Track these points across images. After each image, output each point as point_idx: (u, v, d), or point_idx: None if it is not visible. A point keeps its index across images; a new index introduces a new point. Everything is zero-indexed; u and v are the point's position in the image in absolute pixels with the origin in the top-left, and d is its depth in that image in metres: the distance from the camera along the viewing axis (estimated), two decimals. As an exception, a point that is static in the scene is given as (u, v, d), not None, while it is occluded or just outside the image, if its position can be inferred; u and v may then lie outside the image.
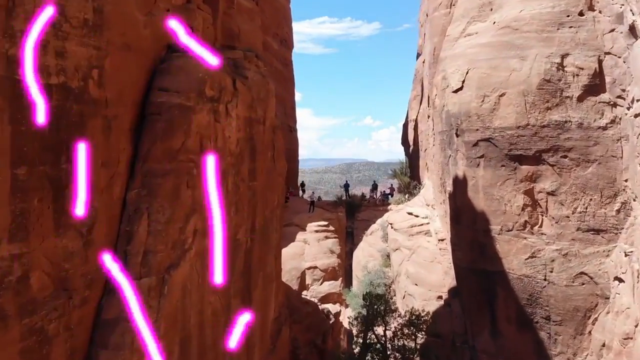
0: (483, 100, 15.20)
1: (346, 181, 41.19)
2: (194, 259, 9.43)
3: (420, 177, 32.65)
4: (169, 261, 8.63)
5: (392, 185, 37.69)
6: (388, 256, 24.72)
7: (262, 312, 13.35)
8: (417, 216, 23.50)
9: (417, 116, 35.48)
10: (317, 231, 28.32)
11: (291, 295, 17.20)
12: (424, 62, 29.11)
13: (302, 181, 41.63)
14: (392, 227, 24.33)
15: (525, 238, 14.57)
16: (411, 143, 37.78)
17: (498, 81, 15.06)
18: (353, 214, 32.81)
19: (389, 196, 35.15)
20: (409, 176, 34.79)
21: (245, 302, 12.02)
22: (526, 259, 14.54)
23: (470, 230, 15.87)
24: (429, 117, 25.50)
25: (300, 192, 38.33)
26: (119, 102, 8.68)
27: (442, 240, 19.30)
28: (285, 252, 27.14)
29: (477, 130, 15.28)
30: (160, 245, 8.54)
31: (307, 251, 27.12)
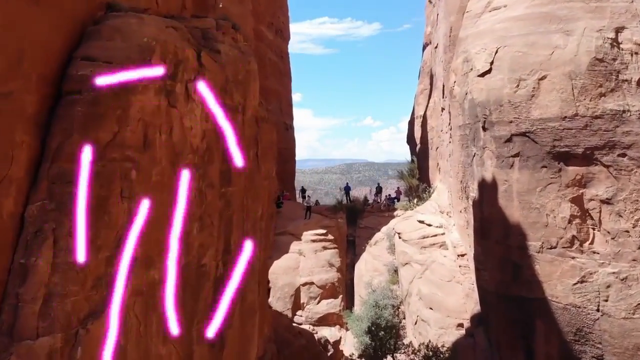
0: (518, 85, 12.68)
1: (347, 183, 38.35)
2: (132, 300, 6.88)
3: (430, 180, 30.13)
4: (86, 309, 6.10)
5: (399, 188, 35.04)
6: (396, 271, 22.14)
7: (240, 356, 10.78)
8: (429, 225, 20.93)
9: (425, 112, 33.00)
10: (314, 241, 25.78)
11: (280, 326, 14.69)
12: (436, 47, 26.60)
13: (303, 187, 38.81)
14: (400, 237, 21.77)
15: (572, 258, 12.04)
16: (418, 142, 35.31)
17: (537, 61, 12.55)
18: (355, 220, 30.25)
19: (395, 200, 32.54)
20: (417, 178, 32.23)
21: (215, 349, 9.45)
22: (574, 285, 12.01)
23: (500, 247, 13.33)
24: (442, 110, 22.98)
25: (300, 199, 35.59)
26: (14, 74, 6.18)
27: (462, 255, 16.77)
28: (277, 265, 24.61)
29: (511, 122, 12.75)
30: (73, 286, 6.01)
31: (302, 264, 24.55)
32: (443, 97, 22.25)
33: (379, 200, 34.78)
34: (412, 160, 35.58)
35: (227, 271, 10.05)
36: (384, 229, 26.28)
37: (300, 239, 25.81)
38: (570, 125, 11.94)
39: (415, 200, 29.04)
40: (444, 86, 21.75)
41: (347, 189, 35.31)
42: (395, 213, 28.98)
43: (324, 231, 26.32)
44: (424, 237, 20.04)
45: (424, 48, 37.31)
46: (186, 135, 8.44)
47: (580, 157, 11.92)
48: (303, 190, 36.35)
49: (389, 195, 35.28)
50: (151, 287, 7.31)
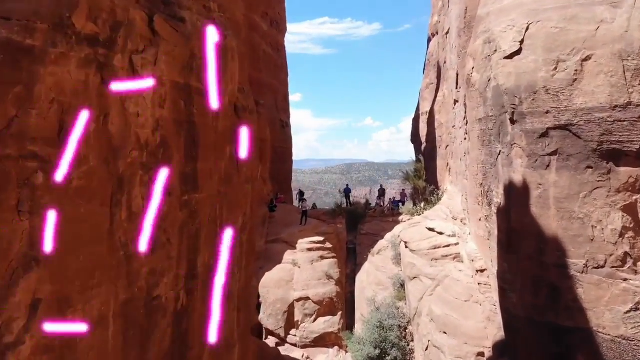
0: (556, 68, 10.71)
1: (347, 185, 36.25)
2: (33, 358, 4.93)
3: (438, 181, 28.16)
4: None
5: (404, 190, 33.04)
6: (402, 285, 20.14)
7: (210, 407, 8.78)
8: (440, 233, 18.94)
9: (431, 107, 31.03)
10: (310, 249, 23.78)
11: (267, 358, 12.69)
12: (446, 33, 24.64)
13: (301, 190, 36.69)
14: (407, 247, 19.78)
15: (624, 280, 10.06)
16: (424, 140, 33.34)
17: (579, 38, 10.58)
18: (355, 225, 28.24)
19: (400, 204, 30.55)
20: (424, 180, 30.22)
21: (173, 406, 7.47)
22: (626, 313, 10.05)
23: (533, 264, 11.34)
24: (455, 103, 20.99)
25: (298, 202, 33.59)
26: None
27: (482, 271, 14.78)
28: (268, 277, 22.62)
29: (548, 113, 10.77)
30: None
31: (297, 276, 22.55)
32: (457, 88, 20.26)
33: (382, 204, 32.79)
34: (418, 160, 33.58)
35: (193, 302, 8.06)
36: (388, 236, 24.27)
37: (294, 248, 23.81)
38: (622, 116, 9.96)
39: (422, 205, 27.06)
40: (457, 75, 19.76)
41: (347, 191, 33.28)
42: (400, 218, 26.98)
43: (321, 239, 24.31)
44: (435, 248, 18.04)
45: (428, 41, 35.53)
46: (129, 124, 6.43)
47: (634, 156, 9.95)
48: (301, 194, 34.18)
49: (393, 198, 33.31)
50: (68, 343, 5.31)
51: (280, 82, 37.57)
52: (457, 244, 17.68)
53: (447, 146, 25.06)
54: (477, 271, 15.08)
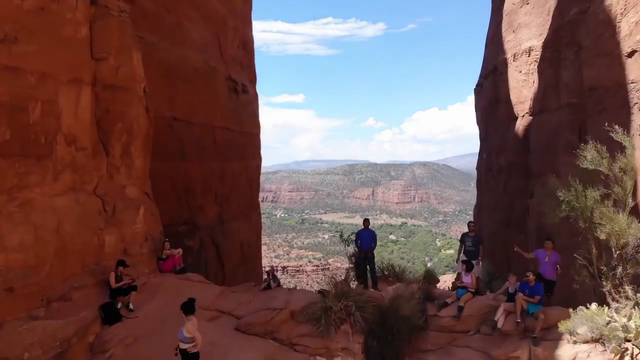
0: None
1: (366, 226, 15.48)
2: None
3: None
4: None
5: (551, 246, 12.69)
6: None
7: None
8: None
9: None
10: None
11: None
12: None
13: (273, 268, 15.81)
14: None
15: None
16: (527, 112, 20.66)
17: None
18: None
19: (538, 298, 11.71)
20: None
21: None
22: None
23: None
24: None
25: (271, 282, 14.54)
26: None
27: None
28: None
29: None
30: None
31: None
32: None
33: (471, 286, 13.06)
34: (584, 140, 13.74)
35: None
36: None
37: None
38: None
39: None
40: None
41: (365, 244, 15.11)
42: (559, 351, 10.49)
43: None
44: None
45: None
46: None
47: None
48: (271, 274, 14.77)
49: (528, 278, 12.10)
50: None
51: (231, 12, 21.09)
52: None
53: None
54: None
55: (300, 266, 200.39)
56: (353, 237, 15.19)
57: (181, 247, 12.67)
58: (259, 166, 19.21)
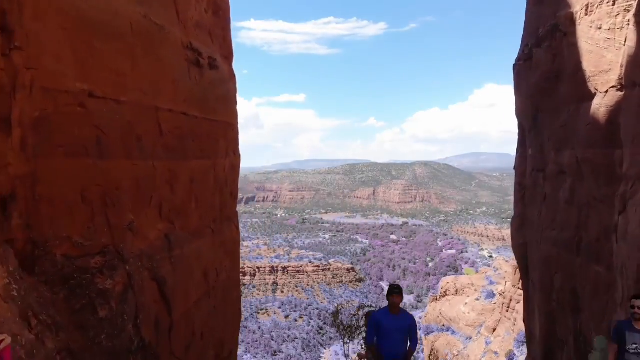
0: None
1: (398, 311, 7.71)
2: None
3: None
4: None
5: None
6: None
7: None
8: None
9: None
10: None
11: None
12: None
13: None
14: None
15: None
16: (600, 120, 12.99)
17: None
18: None
19: None
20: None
21: None
22: None
23: None
24: None
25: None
26: None
27: None
28: None
29: None
30: None
31: None
32: None
33: None
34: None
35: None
36: None
37: None
38: None
39: None
40: None
41: (388, 337, 7.64)
42: None
43: None
44: None
45: None
46: None
47: None
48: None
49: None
50: None
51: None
52: None
53: None
54: None
55: (301, 266, 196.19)
56: (359, 319, 8.45)
57: (92, 291, 7.44)
58: (235, 166, 14.32)
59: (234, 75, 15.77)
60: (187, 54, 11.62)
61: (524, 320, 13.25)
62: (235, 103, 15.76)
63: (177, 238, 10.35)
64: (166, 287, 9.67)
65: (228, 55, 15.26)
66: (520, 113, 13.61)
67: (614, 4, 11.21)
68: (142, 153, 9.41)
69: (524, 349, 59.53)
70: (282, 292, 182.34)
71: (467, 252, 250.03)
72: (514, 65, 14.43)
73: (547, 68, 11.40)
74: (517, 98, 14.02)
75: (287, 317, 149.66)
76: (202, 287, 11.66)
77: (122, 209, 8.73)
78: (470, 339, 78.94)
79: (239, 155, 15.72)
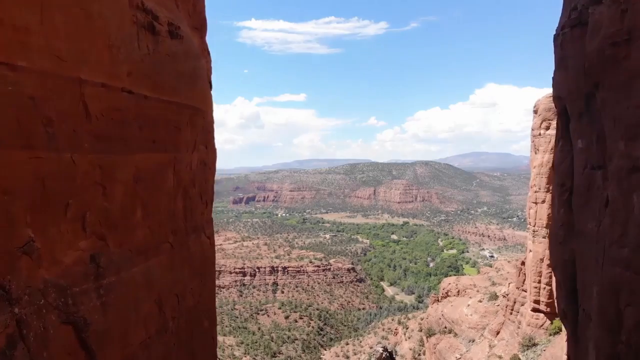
0: None
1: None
2: None
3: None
4: None
5: None
6: None
7: None
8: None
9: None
10: None
11: None
12: None
13: None
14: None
15: None
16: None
17: None
18: None
19: None
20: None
21: None
22: None
23: None
24: None
25: None
26: None
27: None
28: None
29: None
30: None
31: None
32: None
33: None
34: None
35: None
36: None
37: None
38: None
39: None
40: None
41: None
42: None
43: None
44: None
45: None
46: None
47: None
48: None
49: None
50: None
51: None
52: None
53: None
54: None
55: (301, 266, 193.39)
56: None
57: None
58: (207, 163, 11.20)
59: (208, 52, 12.88)
60: (137, 14, 8.75)
61: (568, 357, 10.35)
62: (209, 85, 12.85)
63: (110, 260, 7.51)
64: (89, 330, 6.83)
65: (200, 27, 12.38)
66: (565, 95, 10.35)
67: None
68: (51, 142, 6.55)
69: (529, 354, 56.16)
70: (282, 292, 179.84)
71: (467, 251, 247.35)
72: (555, 35, 11.23)
73: (612, 30, 8.04)
74: (559, 76, 10.80)
75: (287, 317, 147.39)
76: (153, 321, 8.82)
77: (13, 223, 5.88)
78: (473, 341, 76.08)
79: (214, 149, 12.82)
